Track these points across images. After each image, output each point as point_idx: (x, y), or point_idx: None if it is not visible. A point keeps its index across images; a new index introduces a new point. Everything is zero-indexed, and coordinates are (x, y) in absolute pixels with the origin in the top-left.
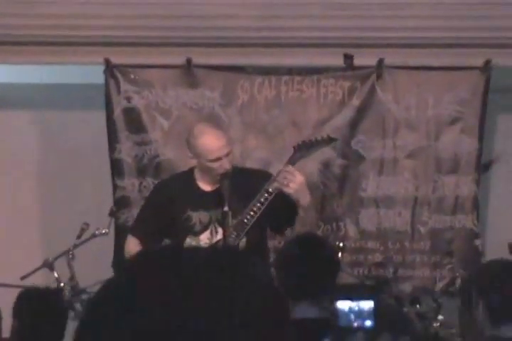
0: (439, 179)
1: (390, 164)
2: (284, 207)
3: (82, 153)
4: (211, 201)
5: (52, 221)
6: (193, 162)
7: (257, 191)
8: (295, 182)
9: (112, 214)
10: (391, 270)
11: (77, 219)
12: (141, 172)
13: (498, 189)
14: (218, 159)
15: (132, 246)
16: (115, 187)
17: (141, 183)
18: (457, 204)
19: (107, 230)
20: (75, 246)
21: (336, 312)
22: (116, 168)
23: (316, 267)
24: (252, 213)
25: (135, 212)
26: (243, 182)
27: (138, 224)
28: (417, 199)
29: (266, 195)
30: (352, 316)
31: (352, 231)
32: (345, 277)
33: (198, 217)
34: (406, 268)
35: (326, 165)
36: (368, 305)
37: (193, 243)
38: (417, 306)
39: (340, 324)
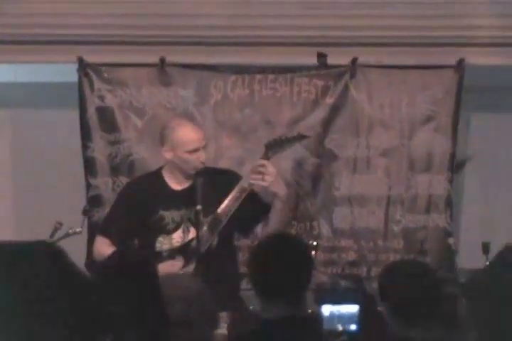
0: (413, 178)
1: (364, 163)
2: (252, 207)
3: (55, 152)
4: (182, 200)
5: (25, 219)
6: (168, 156)
7: (226, 190)
8: (269, 174)
9: (85, 213)
10: (365, 268)
11: (50, 218)
12: (115, 171)
13: (471, 188)
14: (196, 150)
15: (103, 246)
16: (88, 185)
17: (114, 182)
18: (430, 203)
19: (80, 229)
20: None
21: (320, 316)
22: (90, 167)
23: (290, 265)
24: (226, 211)
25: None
26: (213, 181)
27: (108, 223)
28: (390, 198)
29: (240, 192)
30: (336, 320)
31: (325, 229)
32: (319, 276)
33: (170, 216)
34: (379, 267)
35: (299, 164)
36: (352, 309)
37: (166, 242)
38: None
39: (325, 327)
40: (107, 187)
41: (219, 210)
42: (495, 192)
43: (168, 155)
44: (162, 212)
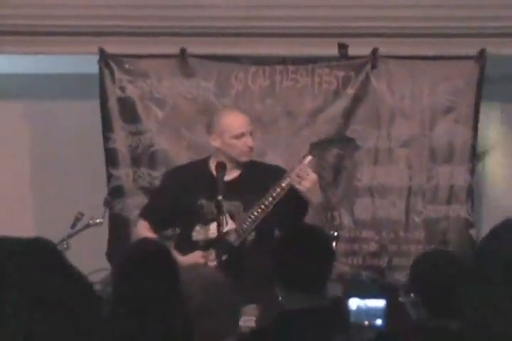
0: (434, 169)
1: (385, 154)
2: (295, 207)
3: (76, 143)
4: (225, 191)
5: (46, 211)
6: (216, 144)
7: (270, 186)
8: (308, 180)
9: (106, 203)
10: (386, 259)
11: (72, 209)
12: (136, 161)
13: (492, 178)
14: (243, 134)
15: (142, 229)
16: (109, 176)
17: (135, 173)
18: (452, 193)
19: (102, 220)
20: (70, 235)
21: (347, 310)
22: (111, 158)
23: (311, 256)
24: (262, 207)
25: (129, 201)
26: (258, 175)
27: (149, 208)
28: (411, 188)
29: (278, 190)
30: (363, 314)
31: (347, 220)
32: (340, 266)
33: (210, 206)
34: (401, 258)
35: (321, 155)
36: (379, 303)
37: (202, 232)
38: (411, 295)
39: (352, 320)
40: (128, 178)
41: (256, 206)
42: None
43: (216, 142)
44: (202, 201)
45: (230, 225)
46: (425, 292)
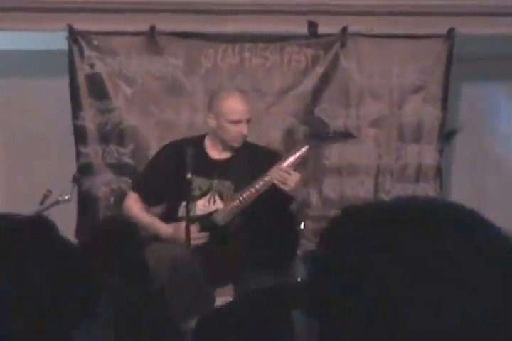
0: (402, 147)
1: (354, 132)
2: (280, 198)
3: (44, 121)
4: (216, 169)
5: (15, 187)
6: (211, 122)
7: (263, 168)
8: (291, 180)
9: (75, 180)
10: None
11: (41, 186)
12: (105, 139)
13: (461, 157)
14: (239, 121)
15: (132, 201)
16: (78, 154)
17: (104, 150)
18: (420, 172)
19: (70, 196)
20: (38, 212)
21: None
22: (80, 135)
23: (276, 236)
24: (253, 190)
25: (98, 178)
26: (251, 157)
27: (140, 180)
28: (379, 167)
29: (263, 181)
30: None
31: (315, 199)
32: (308, 245)
33: (198, 182)
34: None
35: (289, 133)
36: None
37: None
38: None
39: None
40: (97, 155)
41: (242, 191)
42: (484, 162)
43: (212, 122)
44: (192, 177)
45: (217, 204)
46: None
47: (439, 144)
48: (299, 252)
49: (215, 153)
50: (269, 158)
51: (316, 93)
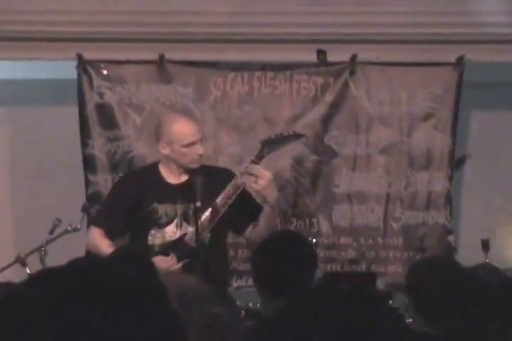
0: (412, 175)
1: (363, 160)
2: (246, 206)
3: (54, 149)
4: (177, 194)
5: (24, 217)
6: (165, 151)
7: (220, 188)
8: (262, 178)
9: (84, 210)
10: (364, 266)
11: (50, 215)
12: (114, 167)
13: (471, 185)
14: (193, 143)
15: (97, 236)
16: (88, 182)
17: (113, 179)
18: (430, 200)
19: (80, 226)
20: (48, 241)
21: None
22: (89, 164)
23: (295, 263)
24: (217, 210)
25: None
26: (209, 178)
27: (102, 214)
28: (389, 195)
29: (233, 189)
30: None
31: (325, 227)
32: (318, 273)
33: (163, 209)
34: (379, 264)
35: (299, 161)
36: None
37: (158, 235)
38: (390, 302)
39: None
40: (107, 184)
41: (211, 207)
42: (494, 190)
43: (165, 151)
44: (156, 205)
45: (185, 228)
46: (420, 298)
47: (449, 171)
48: None
49: (173, 178)
50: (224, 175)
51: (326, 121)
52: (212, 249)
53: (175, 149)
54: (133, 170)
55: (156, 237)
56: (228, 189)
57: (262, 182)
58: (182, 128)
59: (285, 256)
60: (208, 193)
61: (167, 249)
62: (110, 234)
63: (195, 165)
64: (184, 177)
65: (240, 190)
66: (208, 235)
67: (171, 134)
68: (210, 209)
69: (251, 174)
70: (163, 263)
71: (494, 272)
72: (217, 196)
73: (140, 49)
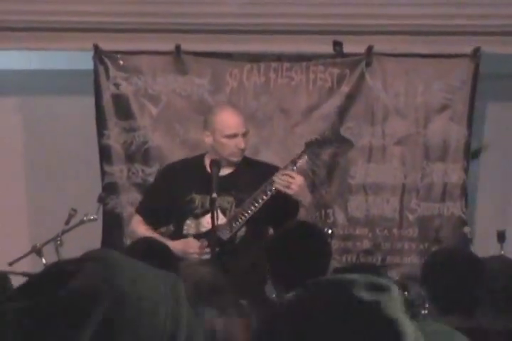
0: (428, 166)
1: (379, 151)
2: (286, 205)
3: (70, 140)
4: (219, 186)
5: (40, 207)
6: (209, 140)
7: (262, 183)
8: (295, 183)
9: (100, 200)
10: (379, 257)
11: (65, 205)
12: (130, 158)
13: (486, 176)
14: (235, 135)
15: (137, 224)
16: (103, 173)
17: (129, 169)
18: (446, 191)
19: (96, 216)
20: (63, 232)
21: None
22: (105, 154)
23: (309, 255)
24: (254, 203)
25: (123, 198)
26: (251, 172)
27: (144, 203)
28: (405, 186)
29: (270, 187)
30: None
31: (340, 218)
32: (334, 264)
33: (201, 200)
34: (394, 256)
35: (315, 153)
36: None
37: (193, 225)
38: (405, 293)
39: None
40: (122, 174)
41: (246, 203)
42: (510, 181)
43: (208, 140)
44: (194, 195)
45: (220, 220)
46: (435, 288)
47: (464, 163)
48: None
49: None
50: (269, 171)
51: (342, 112)
52: (251, 242)
53: (217, 138)
54: (179, 160)
55: (191, 227)
56: (265, 186)
57: (294, 187)
58: (226, 119)
59: (299, 249)
60: (249, 187)
61: (200, 238)
62: (150, 222)
63: (236, 159)
64: (228, 170)
65: (272, 192)
66: (244, 230)
67: (215, 123)
68: (243, 204)
69: (284, 180)
70: (191, 248)
71: (510, 264)
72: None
73: (156, 40)
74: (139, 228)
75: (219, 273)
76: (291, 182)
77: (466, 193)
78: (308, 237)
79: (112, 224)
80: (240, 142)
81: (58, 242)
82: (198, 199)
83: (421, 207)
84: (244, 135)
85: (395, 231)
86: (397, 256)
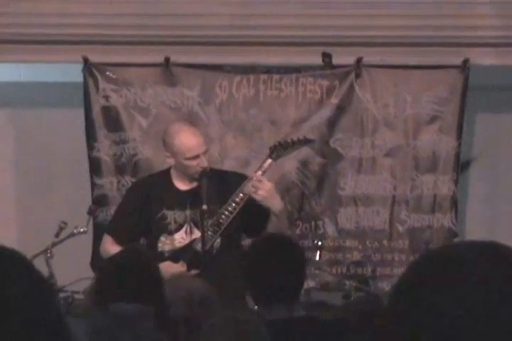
0: (418, 178)
1: (369, 163)
2: (257, 212)
3: (60, 152)
4: (187, 200)
5: (30, 219)
6: (170, 161)
7: (232, 193)
8: (263, 189)
9: (90, 212)
10: (369, 269)
11: (55, 218)
12: (120, 170)
13: (476, 188)
14: (196, 157)
15: (108, 244)
16: (93, 185)
17: (119, 182)
18: (435, 203)
19: (86, 229)
20: (54, 244)
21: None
22: (95, 167)
23: (282, 266)
24: (226, 213)
25: (113, 210)
26: (219, 183)
27: (113, 222)
28: (395, 197)
29: (241, 195)
30: None
31: (331, 229)
32: (324, 276)
33: (173, 215)
34: (384, 267)
35: (305, 164)
36: None
37: (168, 242)
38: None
39: None
40: (112, 186)
41: (220, 212)
42: (500, 193)
43: (170, 160)
44: (165, 211)
45: (194, 234)
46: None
47: (454, 174)
48: (314, 283)
49: (182, 184)
50: (235, 180)
51: (331, 123)
52: (226, 252)
53: (179, 161)
54: (146, 176)
55: (165, 244)
56: (235, 196)
57: (262, 193)
58: (186, 141)
59: (270, 261)
60: (217, 197)
61: (177, 256)
62: (121, 241)
63: (200, 176)
64: (194, 184)
65: (247, 197)
66: (219, 239)
67: (174, 147)
68: (217, 214)
69: (251, 185)
70: (171, 268)
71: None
72: (227, 200)
73: (146, 52)
74: (111, 249)
75: (210, 286)
76: (259, 188)
77: (456, 205)
78: (278, 249)
79: (102, 236)
80: (202, 161)
81: (48, 255)
82: (169, 215)
83: (411, 218)
84: (205, 152)
85: (385, 242)
86: (388, 268)
